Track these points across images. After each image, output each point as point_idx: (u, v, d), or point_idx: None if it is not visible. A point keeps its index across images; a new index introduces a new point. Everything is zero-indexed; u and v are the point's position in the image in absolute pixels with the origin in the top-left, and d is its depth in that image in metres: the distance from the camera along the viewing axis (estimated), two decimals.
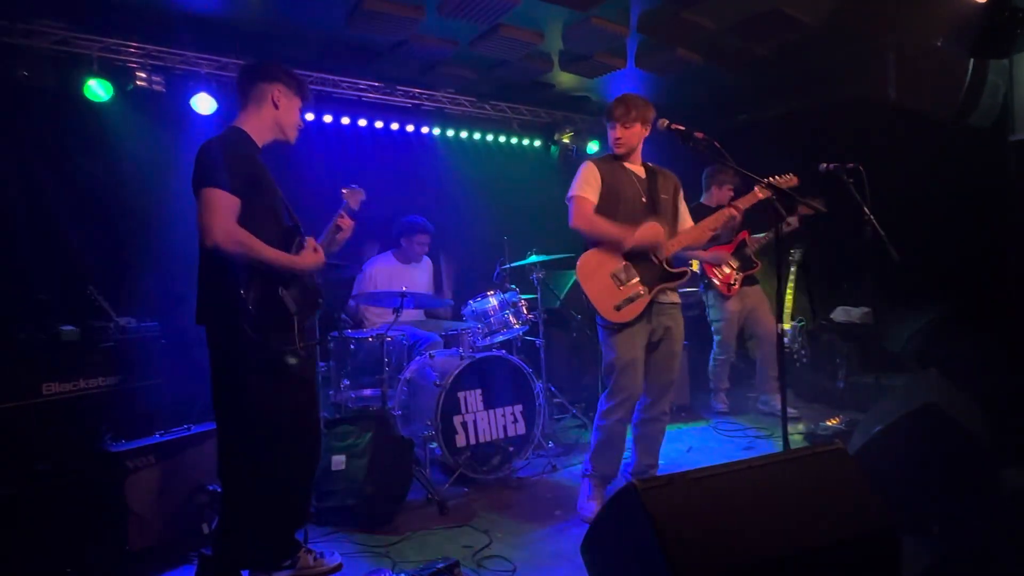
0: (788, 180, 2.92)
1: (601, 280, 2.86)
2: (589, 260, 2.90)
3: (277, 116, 2.33)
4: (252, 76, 2.33)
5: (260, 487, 2.21)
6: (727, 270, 4.64)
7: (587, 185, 2.93)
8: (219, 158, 2.14)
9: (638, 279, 2.87)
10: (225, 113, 4.17)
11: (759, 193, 2.90)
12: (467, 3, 3.60)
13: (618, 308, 2.84)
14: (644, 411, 3.04)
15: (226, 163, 2.13)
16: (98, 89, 3.81)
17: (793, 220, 4.45)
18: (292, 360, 2.19)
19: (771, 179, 2.93)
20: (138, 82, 3.94)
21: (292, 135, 2.40)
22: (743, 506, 1.73)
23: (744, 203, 2.95)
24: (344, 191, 2.63)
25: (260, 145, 2.34)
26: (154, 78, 4.00)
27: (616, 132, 2.96)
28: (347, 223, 2.52)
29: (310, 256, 2.27)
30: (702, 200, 4.69)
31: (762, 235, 4.67)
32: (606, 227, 2.86)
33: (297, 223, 2.40)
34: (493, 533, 2.82)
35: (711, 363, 4.82)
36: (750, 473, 1.80)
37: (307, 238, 2.36)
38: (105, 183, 3.98)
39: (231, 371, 2.16)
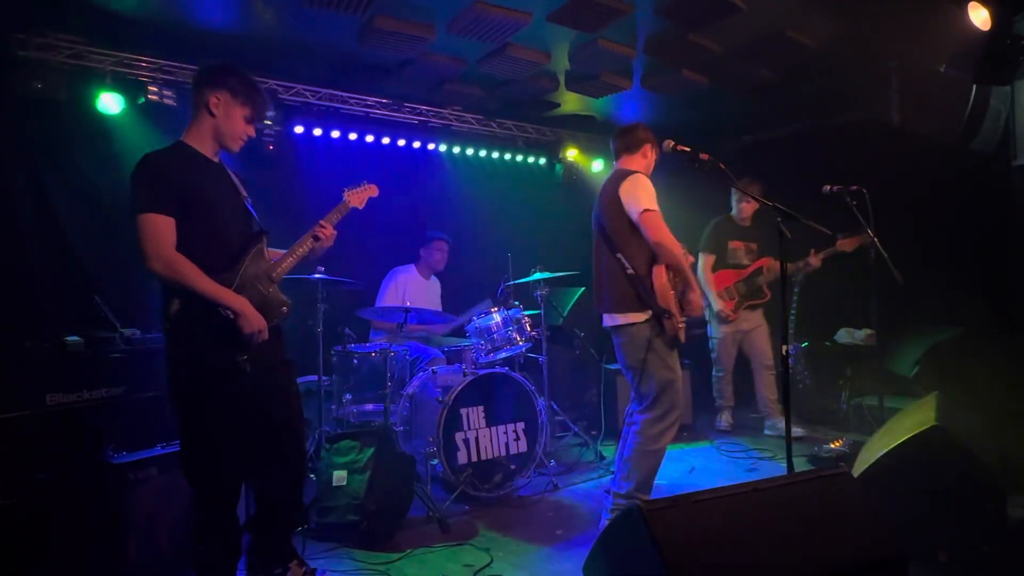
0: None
1: (672, 300, 2.82)
2: (667, 278, 2.83)
3: (215, 124, 2.21)
4: (197, 80, 2.23)
5: (204, 492, 2.21)
6: (728, 299, 4.64)
7: (654, 199, 2.84)
8: (151, 179, 2.09)
9: (679, 304, 2.89)
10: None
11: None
12: (477, 23, 3.66)
13: (681, 325, 2.85)
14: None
15: (156, 184, 2.08)
16: (110, 102, 3.86)
17: (816, 260, 4.45)
18: (237, 371, 2.14)
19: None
20: (150, 96, 3.98)
21: (233, 145, 2.27)
22: (748, 529, 1.72)
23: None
24: (346, 191, 2.55)
25: (210, 154, 2.25)
26: (165, 92, 4.05)
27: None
28: (326, 233, 2.43)
29: (252, 314, 2.14)
30: (732, 214, 4.73)
31: (794, 266, 4.54)
32: (680, 248, 2.85)
33: (259, 231, 2.32)
34: (494, 552, 2.80)
35: (712, 381, 4.87)
36: (755, 496, 1.80)
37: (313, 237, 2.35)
38: (114, 195, 4.00)
39: (172, 381, 2.16)
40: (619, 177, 2.92)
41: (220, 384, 2.13)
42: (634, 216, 2.79)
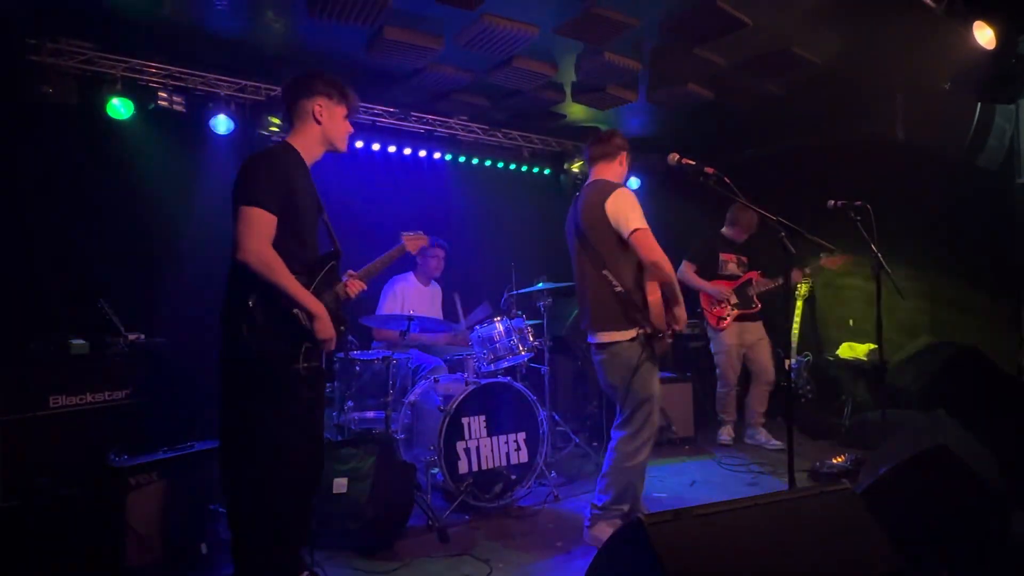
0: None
1: (661, 315, 2.80)
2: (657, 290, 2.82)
3: (323, 131, 2.31)
4: (292, 94, 2.32)
5: (253, 504, 2.18)
6: (723, 303, 4.68)
7: (642, 215, 2.77)
8: (261, 174, 2.13)
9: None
10: (242, 134, 4.25)
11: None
12: (484, 35, 3.69)
13: (669, 342, 2.84)
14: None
15: (267, 180, 2.13)
16: (120, 108, 3.89)
17: (797, 275, 4.51)
18: (292, 378, 2.15)
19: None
20: (159, 102, 4.02)
21: (342, 145, 2.39)
22: (749, 544, 1.71)
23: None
24: (404, 235, 2.78)
25: (310, 162, 2.34)
26: (175, 98, 4.09)
27: None
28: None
29: (328, 320, 2.20)
30: (723, 231, 4.78)
31: (769, 281, 4.69)
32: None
33: (336, 250, 2.38)
34: (493, 563, 2.78)
35: (716, 396, 4.86)
36: (757, 511, 1.79)
37: (347, 281, 2.44)
38: (122, 200, 4.04)
39: (228, 377, 2.15)
40: (602, 190, 2.86)
41: (283, 388, 2.13)
42: (624, 235, 2.75)
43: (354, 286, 2.55)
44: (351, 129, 2.42)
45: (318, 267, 2.29)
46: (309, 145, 2.32)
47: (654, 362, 2.82)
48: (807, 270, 4.50)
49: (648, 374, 2.79)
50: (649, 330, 2.76)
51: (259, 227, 2.07)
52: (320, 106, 2.29)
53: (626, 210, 2.77)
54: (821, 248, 4.11)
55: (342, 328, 2.36)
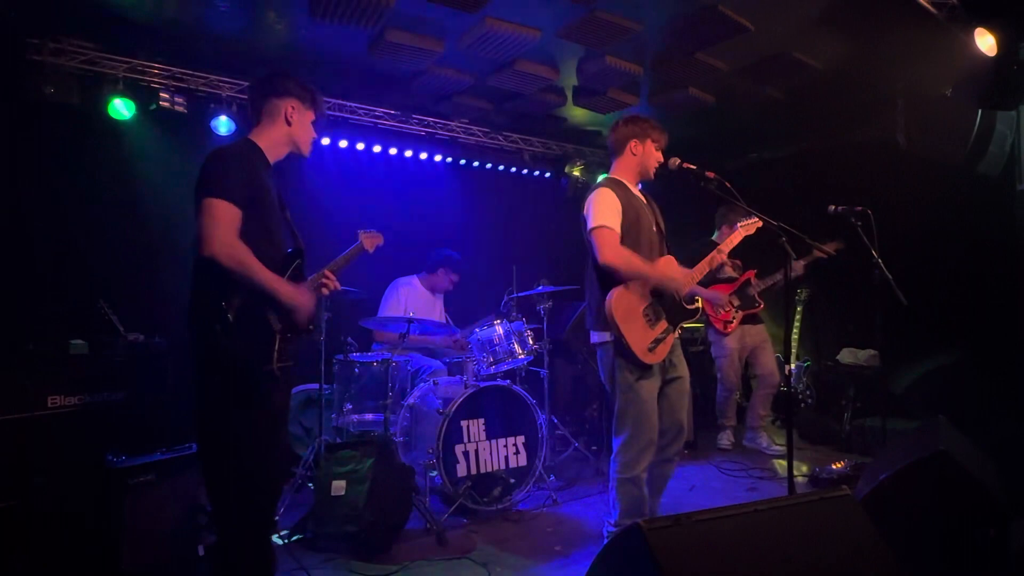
0: (753, 223, 2.96)
1: (635, 319, 2.67)
2: (623, 297, 2.65)
3: (291, 132, 2.27)
4: (264, 91, 2.27)
5: (240, 503, 2.12)
6: (726, 307, 4.68)
7: (612, 214, 2.67)
8: (226, 168, 2.08)
9: (665, 317, 2.76)
10: (243, 135, 4.26)
11: (741, 233, 2.96)
12: (486, 38, 3.69)
13: (651, 349, 2.69)
14: (660, 452, 2.82)
15: (233, 173, 2.07)
16: (122, 108, 3.90)
17: (798, 266, 4.50)
18: (265, 378, 2.08)
19: (740, 224, 2.97)
20: (161, 102, 4.02)
21: (307, 150, 2.35)
22: (749, 550, 1.70)
23: (726, 246, 2.95)
24: (361, 233, 2.70)
25: (272, 161, 2.28)
26: (176, 99, 4.09)
27: (659, 156, 2.87)
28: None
29: (303, 296, 2.15)
30: (714, 238, 4.76)
31: (768, 279, 4.70)
32: (639, 264, 2.66)
33: (300, 248, 2.31)
34: (492, 567, 2.78)
35: (717, 400, 4.84)
36: (757, 516, 1.78)
37: (326, 274, 2.38)
38: (122, 200, 4.04)
39: (204, 379, 2.08)
40: (591, 192, 2.82)
41: (257, 388, 2.06)
42: (585, 235, 2.71)
43: (331, 282, 2.46)
44: (316, 135, 2.37)
45: (287, 265, 2.22)
46: (274, 144, 2.26)
47: (635, 367, 2.69)
48: (803, 260, 4.51)
49: (629, 376, 2.70)
50: (615, 336, 2.68)
51: (224, 219, 1.99)
52: (292, 107, 2.25)
53: (591, 208, 2.71)
54: (821, 253, 4.11)
55: (311, 327, 2.27)
